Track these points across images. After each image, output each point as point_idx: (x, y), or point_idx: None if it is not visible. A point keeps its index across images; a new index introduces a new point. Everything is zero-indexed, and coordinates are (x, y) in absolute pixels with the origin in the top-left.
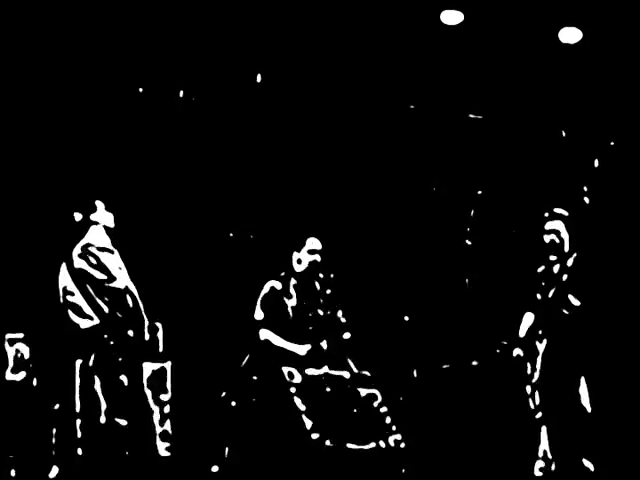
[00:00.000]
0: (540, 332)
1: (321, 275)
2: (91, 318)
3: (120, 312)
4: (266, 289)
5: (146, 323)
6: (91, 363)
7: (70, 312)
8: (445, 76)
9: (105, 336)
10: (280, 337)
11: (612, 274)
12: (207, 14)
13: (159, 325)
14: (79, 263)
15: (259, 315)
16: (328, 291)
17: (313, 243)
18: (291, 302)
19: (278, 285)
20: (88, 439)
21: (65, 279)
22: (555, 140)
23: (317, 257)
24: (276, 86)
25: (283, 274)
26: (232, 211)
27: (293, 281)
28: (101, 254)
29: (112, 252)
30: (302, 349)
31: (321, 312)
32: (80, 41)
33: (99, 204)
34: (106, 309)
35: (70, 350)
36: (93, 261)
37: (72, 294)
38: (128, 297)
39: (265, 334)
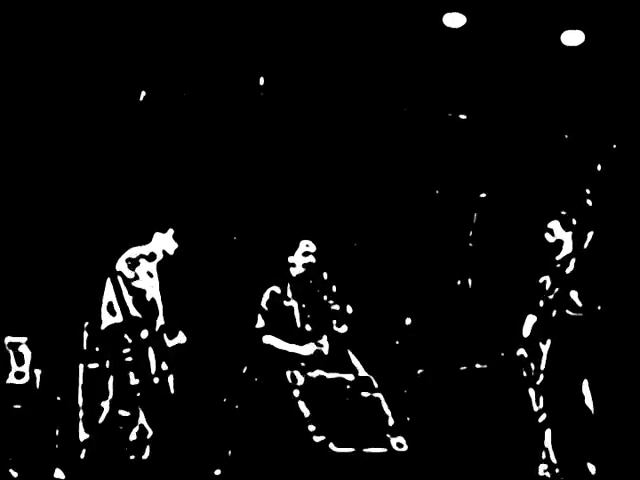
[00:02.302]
0: (544, 334)
1: (317, 277)
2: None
3: (141, 313)
4: (266, 296)
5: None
6: (107, 363)
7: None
8: (448, 79)
9: (125, 335)
10: (282, 341)
11: (615, 276)
12: (209, 17)
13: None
14: (122, 266)
15: (261, 323)
16: (324, 294)
17: (307, 245)
18: (290, 306)
19: (277, 290)
20: (91, 442)
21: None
22: (558, 143)
23: (311, 259)
24: (277, 90)
25: (279, 278)
26: (228, 215)
27: (289, 285)
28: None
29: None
30: (305, 350)
31: (321, 313)
32: (83, 45)
33: None
34: (132, 310)
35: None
36: (134, 267)
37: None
38: (150, 300)
39: (268, 339)
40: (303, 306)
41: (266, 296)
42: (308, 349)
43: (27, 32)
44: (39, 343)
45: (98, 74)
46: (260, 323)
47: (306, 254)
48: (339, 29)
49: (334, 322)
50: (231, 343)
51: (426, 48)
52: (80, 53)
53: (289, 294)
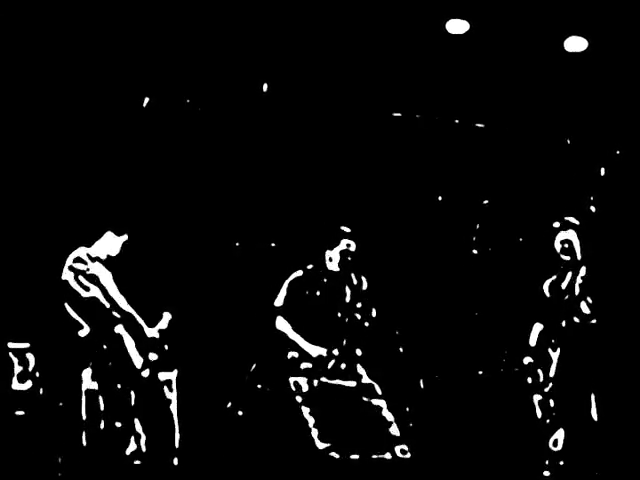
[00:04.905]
0: (552, 341)
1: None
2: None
3: (114, 320)
4: (292, 277)
5: (146, 330)
6: (90, 371)
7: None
8: (451, 85)
9: (104, 346)
10: (296, 332)
11: (620, 282)
12: (213, 23)
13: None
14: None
15: (279, 302)
16: (348, 297)
17: (348, 244)
18: (314, 298)
19: (304, 277)
20: (93, 448)
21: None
22: (561, 149)
23: (349, 258)
24: (283, 95)
25: (311, 266)
26: (247, 218)
27: (320, 277)
28: (91, 264)
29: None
30: (315, 350)
31: (340, 315)
32: (85, 51)
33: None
34: (97, 317)
35: (73, 359)
36: (82, 268)
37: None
38: (121, 306)
39: (282, 325)
40: (326, 302)
41: (290, 278)
42: (317, 350)
43: (32, 41)
44: (42, 349)
45: (98, 81)
46: (278, 303)
47: (343, 252)
48: (342, 36)
49: (352, 335)
50: (235, 349)
51: (429, 54)
52: (80, 57)
53: (316, 286)
